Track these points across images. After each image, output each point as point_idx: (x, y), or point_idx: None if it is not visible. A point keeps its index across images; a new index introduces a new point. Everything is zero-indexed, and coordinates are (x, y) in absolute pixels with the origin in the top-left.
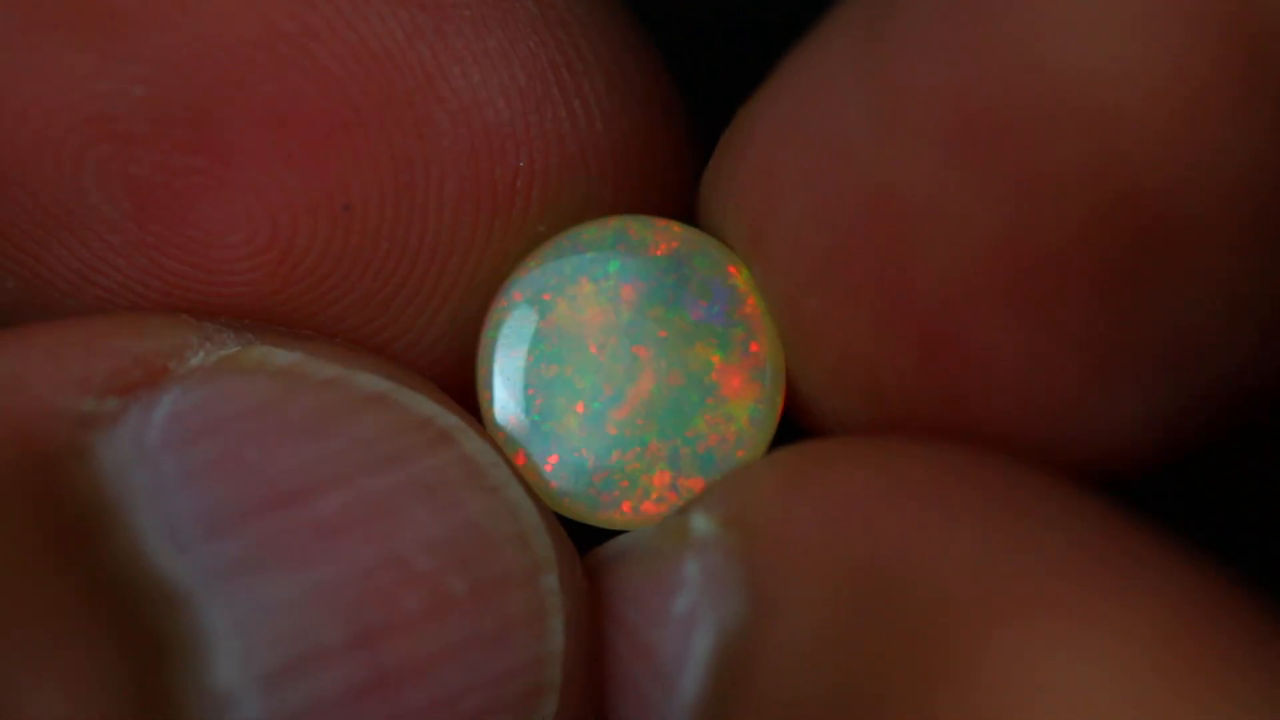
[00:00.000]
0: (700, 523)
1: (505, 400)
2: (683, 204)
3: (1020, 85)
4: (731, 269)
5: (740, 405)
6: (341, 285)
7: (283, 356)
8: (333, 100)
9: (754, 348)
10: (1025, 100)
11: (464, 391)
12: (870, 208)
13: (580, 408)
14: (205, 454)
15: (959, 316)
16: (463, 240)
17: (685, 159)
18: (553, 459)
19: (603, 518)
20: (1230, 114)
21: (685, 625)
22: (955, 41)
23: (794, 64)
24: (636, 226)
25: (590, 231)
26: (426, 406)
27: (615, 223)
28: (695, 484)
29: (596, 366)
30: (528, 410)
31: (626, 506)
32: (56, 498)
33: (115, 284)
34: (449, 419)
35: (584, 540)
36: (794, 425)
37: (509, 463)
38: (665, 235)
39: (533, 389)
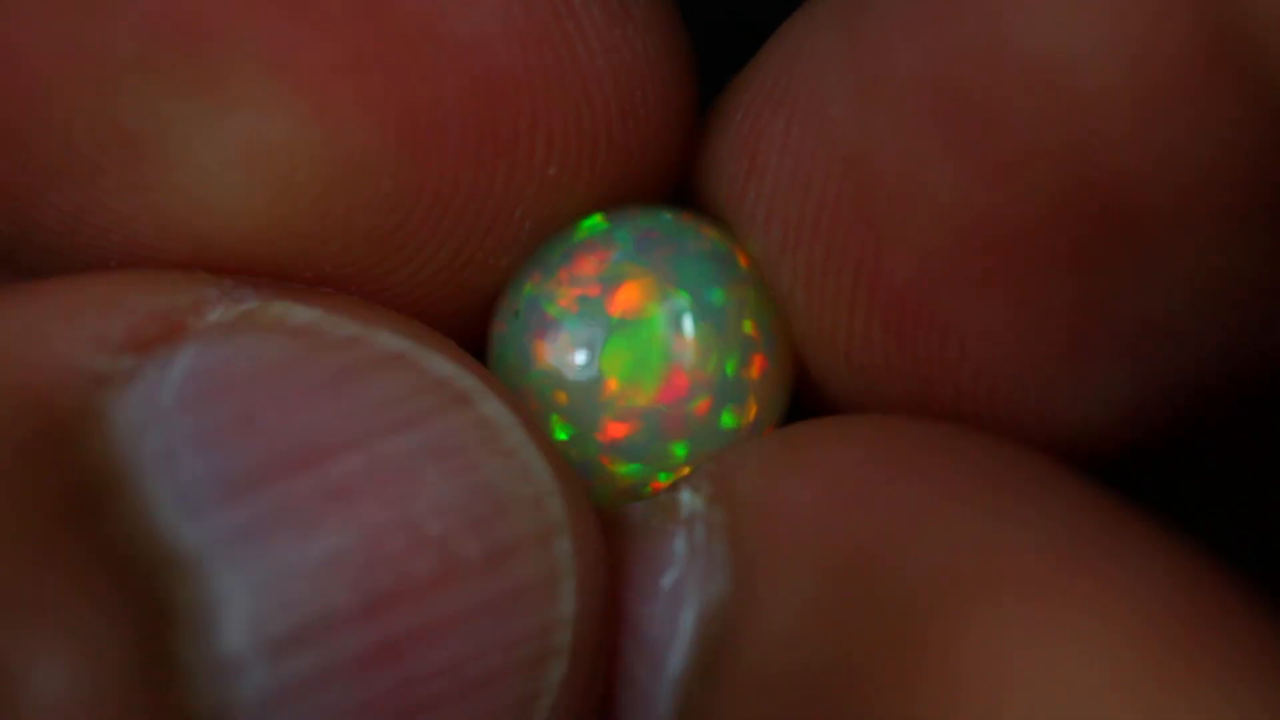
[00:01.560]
0: (688, 498)
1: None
2: (689, 140)
3: (992, 66)
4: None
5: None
6: (342, 224)
7: (301, 314)
8: (330, 44)
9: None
10: (996, 81)
11: (466, 331)
12: (847, 176)
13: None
14: (219, 416)
15: (929, 289)
16: (466, 182)
17: (691, 93)
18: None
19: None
20: (1198, 104)
21: (673, 601)
22: (933, 19)
23: (782, 35)
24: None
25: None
26: (444, 367)
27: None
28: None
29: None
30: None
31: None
32: (70, 460)
33: (108, 222)
34: (467, 379)
35: None
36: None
37: (527, 424)
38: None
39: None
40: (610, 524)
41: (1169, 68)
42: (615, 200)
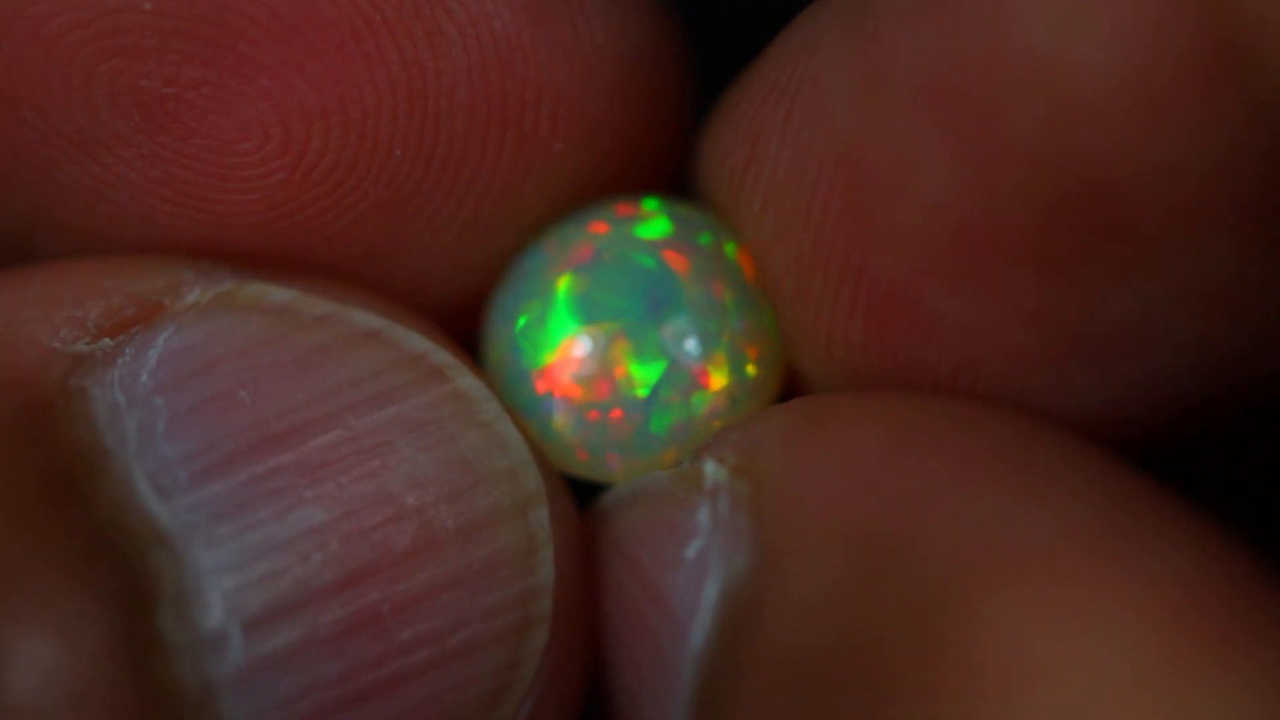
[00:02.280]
0: (712, 469)
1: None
2: (687, 125)
3: (992, 66)
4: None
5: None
6: (354, 193)
7: (277, 294)
8: (343, 10)
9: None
10: (996, 81)
11: (473, 306)
12: (840, 169)
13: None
14: (196, 395)
15: (913, 286)
16: (474, 151)
17: (689, 80)
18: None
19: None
20: (1199, 113)
21: (697, 572)
22: (937, 16)
23: (791, 30)
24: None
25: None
26: (419, 343)
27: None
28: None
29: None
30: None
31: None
32: (51, 443)
33: (127, 197)
34: (441, 355)
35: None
36: None
37: (500, 398)
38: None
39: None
40: (630, 492)
41: (1170, 76)
42: (617, 186)
